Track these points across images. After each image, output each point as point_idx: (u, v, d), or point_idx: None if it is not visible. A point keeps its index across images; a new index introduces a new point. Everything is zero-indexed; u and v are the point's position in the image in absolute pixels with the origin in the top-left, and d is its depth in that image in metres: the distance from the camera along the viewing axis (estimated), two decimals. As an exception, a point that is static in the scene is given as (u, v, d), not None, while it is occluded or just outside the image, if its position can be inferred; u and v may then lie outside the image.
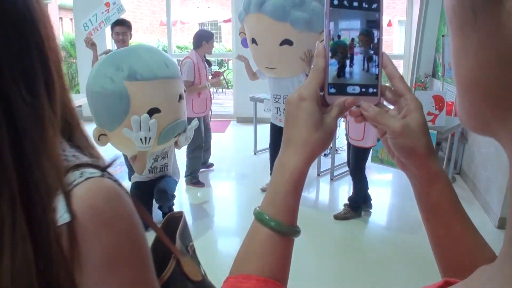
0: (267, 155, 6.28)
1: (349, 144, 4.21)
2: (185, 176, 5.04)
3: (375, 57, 0.65)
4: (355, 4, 0.64)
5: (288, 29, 3.88)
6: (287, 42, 3.96)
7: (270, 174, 4.60)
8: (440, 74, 6.42)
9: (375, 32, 0.65)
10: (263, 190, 4.84)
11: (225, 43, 19.20)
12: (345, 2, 0.63)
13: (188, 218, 4.29)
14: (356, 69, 0.65)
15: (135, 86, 3.06)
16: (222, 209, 4.60)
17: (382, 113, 0.63)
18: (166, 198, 3.86)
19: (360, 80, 0.65)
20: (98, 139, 3.18)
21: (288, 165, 0.63)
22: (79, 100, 6.59)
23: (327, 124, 0.63)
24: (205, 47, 5.00)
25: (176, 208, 4.22)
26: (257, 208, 0.65)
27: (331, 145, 5.24)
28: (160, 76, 3.15)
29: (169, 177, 4.00)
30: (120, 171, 5.51)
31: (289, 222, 0.63)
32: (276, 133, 4.66)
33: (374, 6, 0.64)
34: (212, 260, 3.52)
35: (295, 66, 4.15)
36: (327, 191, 5.00)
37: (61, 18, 18.08)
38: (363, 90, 0.65)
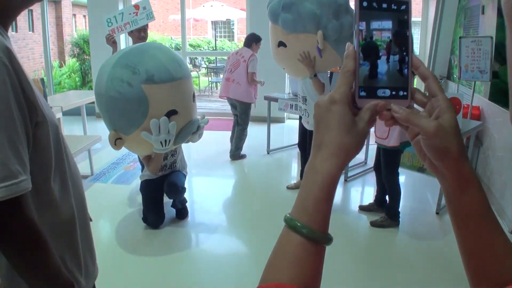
0: (280, 155, 6.32)
1: (378, 149, 4.14)
2: (232, 152, 6.05)
3: (405, 59, 0.64)
4: (384, 5, 0.63)
5: (280, 31, 4.00)
6: (281, 44, 4.07)
7: (301, 177, 4.62)
8: (455, 76, 6.37)
9: (405, 33, 0.64)
10: (289, 187, 4.92)
11: (238, 42, 19.24)
12: (374, 4, 0.63)
13: (200, 214, 4.32)
14: (386, 71, 0.64)
15: (154, 89, 3.04)
16: (235, 208, 4.61)
17: (414, 114, 0.61)
18: (177, 191, 3.88)
19: (391, 82, 0.64)
20: (115, 144, 3.19)
21: (321, 170, 0.62)
22: (92, 96, 6.62)
23: (360, 128, 0.62)
24: (254, 47, 5.85)
25: (188, 204, 4.24)
26: (288, 215, 0.63)
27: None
28: (176, 78, 3.15)
29: (178, 171, 4.03)
30: (133, 168, 5.54)
31: (322, 229, 0.62)
32: (303, 134, 4.72)
33: (403, 7, 0.64)
34: (219, 259, 3.53)
35: (296, 68, 4.13)
36: (341, 192, 4.98)
37: (74, 15, 18.15)
38: (394, 93, 0.64)
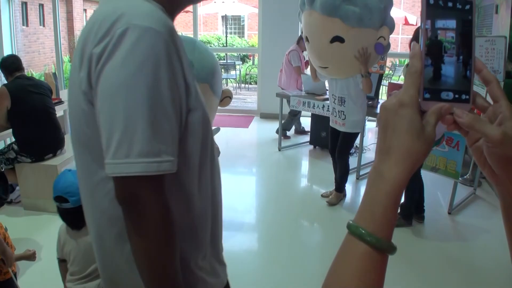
0: (292, 152, 6.30)
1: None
2: (279, 131, 6.45)
3: (469, 61, 0.61)
4: (450, 4, 0.61)
5: (339, 25, 3.60)
6: (337, 39, 3.67)
7: (336, 180, 4.52)
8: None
9: (469, 34, 0.61)
10: (323, 196, 4.62)
11: (248, 38, 19.21)
12: (440, 2, 0.60)
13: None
14: (450, 73, 0.61)
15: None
16: (245, 205, 4.59)
17: (479, 120, 0.58)
18: None
19: (454, 85, 0.61)
20: None
21: (389, 177, 0.59)
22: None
23: (428, 133, 0.58)
24: (301, 44, 6.25)
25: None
26: (351, 222, 0.61)
27: (357, 143, 5.19)
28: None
29: None
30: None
31: (388, 238, 0.59)
32: (333, 135, 4.41)
33: (467, 7, 0.61)
34: (229, 256, 3.52)
35: (348, 65, 3.83)
36: (353, 190, 4.95)
37: (85, 10, 18.22)
38: (457, 96, 0.61)
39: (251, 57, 15.83)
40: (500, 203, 0.64)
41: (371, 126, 7.45)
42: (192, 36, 8.46)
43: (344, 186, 4.48)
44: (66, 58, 13.71)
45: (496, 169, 0.61)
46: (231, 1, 13.62)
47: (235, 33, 20.77)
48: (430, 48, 0.61)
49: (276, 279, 3.19)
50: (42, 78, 5.24)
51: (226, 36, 17.12)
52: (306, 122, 7.01)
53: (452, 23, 0.61)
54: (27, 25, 14.54)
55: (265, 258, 3.52)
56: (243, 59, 15.70)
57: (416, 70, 0.59)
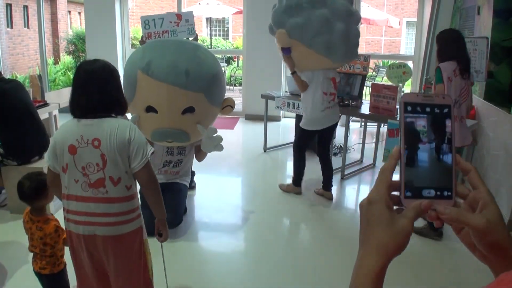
0: (277, 153, 6.35)
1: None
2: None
3: (449, 157, 0.66)
4: (428, 109, 0.66)
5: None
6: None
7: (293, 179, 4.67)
8: (450, 76, 6.42)
9: (449, 133, 0.66)
10: (281, 188, 4.86)
11: (233, 41, 19.23)
12: (418, 108, 0.65)
13: (199, 214, 4.34)
14: (430, 171, 0.65)
15: (144, 79, 3.14)
16: (231, 206, 4.63)
17: (461, 212, 0.62)
18: (175, 222, 3.78)
19: (435, 182, 0.65)
20: None
21: (365, 267, 0.64)
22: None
23: (402, 225, 0.63)
24: None
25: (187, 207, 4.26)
26: None
27: (342, 143, 5.25)
28: (170, 82, 3.16)
29: (180, 185, 4.01)
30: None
31: None
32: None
33: (446, 110, 0.66)
34: (216, 257, 3.55)
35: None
36: (338, 190, 5.02)
37: (69, 12, 18.09)
38: (438, 193, 0.65)
39: (236, 59, 15.85)
40: (493, 275, 0.67)
41: (355, 126, 7.54)
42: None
43: (300, 180, 4.72)
44: (50, 60, 13.61)
45: (487, 253, 0.65)
46: (215, 3, 13.64)
47: (219, 35, 20.78)
48: (409, 147, 0.65)
49: (263, 278, 3.24)
50: (27, 81, 5.20)
51: (211, 38, 17.12)
52: (290, 123, 7.06)
53: (431, 124, 0.66)
54: (11, 27, 14.41)
55: (252, 258, 3.57)
56: (228, 61, 15.71)
57: (386, 168, 0.66)
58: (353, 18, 4.16)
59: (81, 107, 2.13)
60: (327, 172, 4.59)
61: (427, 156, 0.65)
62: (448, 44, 3.68)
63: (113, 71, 2.20)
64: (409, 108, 0.65)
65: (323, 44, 3.97)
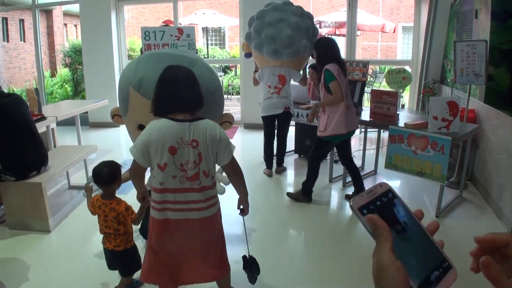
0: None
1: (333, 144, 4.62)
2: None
3: (426, 235, 0.69)
4: (378, 202, 0.67)
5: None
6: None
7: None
8: (449, 80, 6.41)
9: (410, 215, 0.69)
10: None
11: (229, 50, 19.26)
12: (371, 206, 0.66)
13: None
14: (424, 257, 0.66)
15: (135, 96, 3.05)
16: (231, 216, 4.58)
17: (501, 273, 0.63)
18: None
19: (432, 263, 0.66)
20: (112, 117, 3.34)
21: None
22: (86, 106, 6.58)
23: None
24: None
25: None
26: None
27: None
28: None
29: None
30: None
31: None
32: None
33: (390, 195, 0.69)
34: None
35: None
36: (339, 198, 4.98)
37: (65, 25, 18.09)
38: (440, 270, 0.66)
39: (233, 68, 15.88)
40: None
41: (355, 133, 7.50)
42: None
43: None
44: (47, 73, 13.59)
45: None
46: (211, 12, 13.67)
47: (216, 44, 20.83)
48: (396, 244, 0.64)
49: (262, 282, 3.20)
50: (24, 94, 5.16)
51: (208, 48, 17.15)
52: (289, 131, 7.02)
53: (388, 214, 0.67)
54: (7, 41, 14.40)
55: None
56: (225, 70, 15.74)
57: (382, 233, 0.65)
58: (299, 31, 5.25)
59: (178, 107, 2.38)
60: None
61: (410, 246, 0.66)
62: (327, 50, 4.33)
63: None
64: (364, 211, 0.65)
65: (269, 50, 5.23)
